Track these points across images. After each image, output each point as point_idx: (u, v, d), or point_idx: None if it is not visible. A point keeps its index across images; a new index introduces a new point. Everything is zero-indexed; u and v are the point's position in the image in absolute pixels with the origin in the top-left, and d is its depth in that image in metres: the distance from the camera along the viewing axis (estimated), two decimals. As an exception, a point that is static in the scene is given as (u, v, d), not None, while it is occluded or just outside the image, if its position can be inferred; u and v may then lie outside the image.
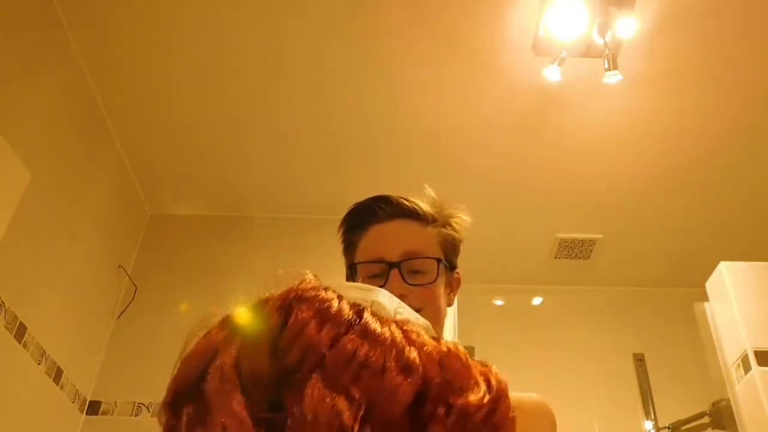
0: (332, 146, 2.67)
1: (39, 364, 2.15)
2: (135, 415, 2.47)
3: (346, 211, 1.11)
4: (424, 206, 1.07)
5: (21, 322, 2.04)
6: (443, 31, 2.24)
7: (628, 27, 2.12)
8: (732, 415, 2.16)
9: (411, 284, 0.98)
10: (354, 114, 2.53)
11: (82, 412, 2.45)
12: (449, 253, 1.07)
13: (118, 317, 2.68)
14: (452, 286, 1.06)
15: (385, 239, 1.03)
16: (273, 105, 2.51)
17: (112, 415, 2.48)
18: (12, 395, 2.03)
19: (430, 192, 1.10)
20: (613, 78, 2.15)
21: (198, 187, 2.90)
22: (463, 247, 1.12)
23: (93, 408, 2.48)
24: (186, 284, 2.79)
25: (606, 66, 2.14)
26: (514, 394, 0.86)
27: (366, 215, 1.07)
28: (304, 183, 2.85)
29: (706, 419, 2.42)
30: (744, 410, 2.10)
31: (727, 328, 2.22)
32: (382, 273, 0.99)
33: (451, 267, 1.06)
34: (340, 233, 1.11)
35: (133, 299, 2.71)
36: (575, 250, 3.10)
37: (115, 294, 2.70)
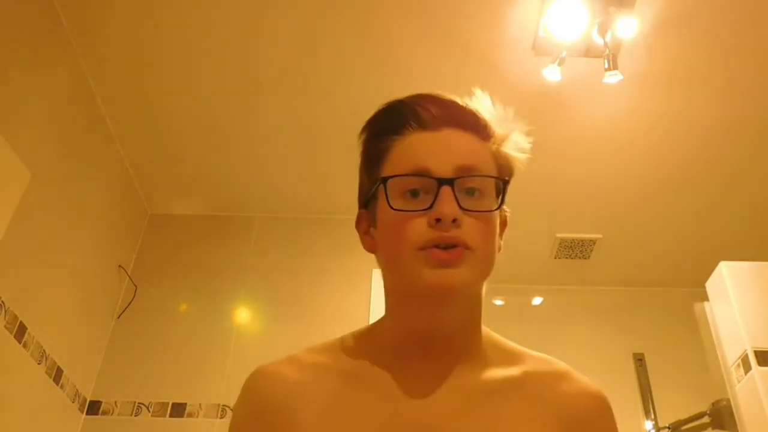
0: (332, 146, 2.66)
1: (39, 364, 2.15)
2: (135, 415, 2.47)
3: (371, 115, 0.85)
4: (485, 113, 0.81)
5: (21, 322, 2.04)
6: (442, 31, 2.24)
7: (628, 27, 2.11)
8: (732, 415, 2.16)
9: (467, 209, 0.74)
10: (353, 115, 2.52)
11: (82, 412, 2.45)
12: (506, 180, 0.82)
13: (118, 317, 2.68)
14: (501, 228, 0.82)
15: (433, 148, 0.77)
16: (273, 105, 2.51)
17: (112, 415, 2.48)
18: (12, 395, 2.03)
19: (485, 96, 0.83)
20: (613, 78, 2.15)
21: (198, 187, 2.90)
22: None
23: (93, 408, 2.48)
24: (186, 284, 2.79)
25: (606, 66, 2.14)
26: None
27: (404, 117, 0.80)
28: (304, 183, 2.85)
29: (706, 419, 2.42)
30: (744, 410, 2.10)
31: (727, 328, 2.22)
32: (426, 190, 0.75)
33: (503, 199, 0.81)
34: (362, 140, 0.84)
35: (133, 299, 2.71)
36: (575, 250, 3.10)
37: (115, 294, 2.70)
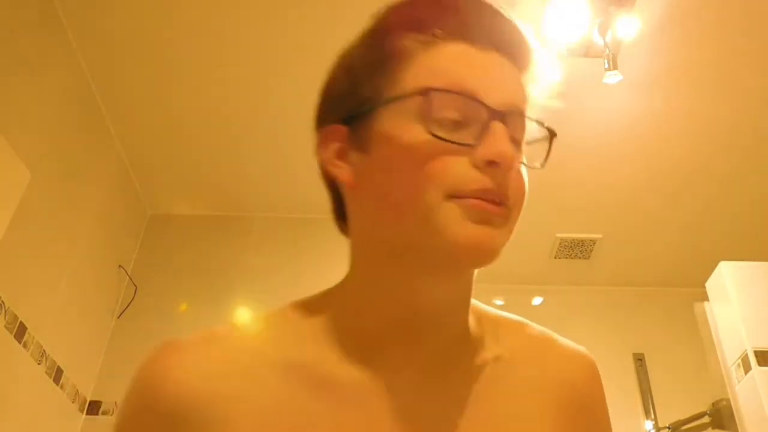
0: (332, 146, 2.66)
1: (39, 364, 2.15)
2: (135, 415, 2.47)
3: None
4: (531, 36, 0.64)
5: (21, 322, 2.04)
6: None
7: (628, 27, 2.11)
8: (732, 415, 2.16)
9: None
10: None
11: (82, 412, 2.45)
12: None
13: (118, 317, 2.68)
14: None
15: (483, 70, 0.58)
16: (273, 104, 2.51)
17: (112, 415, 2.48)
18: (12, 395, 2.03)
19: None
20: (613, 78, 2.15)
21: (198, 187, 2.90)
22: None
23: (93, 408, 2.48)
24: (186, 284, 2.79)
25: (606, 66, 2.14)
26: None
27: (448, 17, 0.59)
28: (304, 183, 2.84)
29: (706, 419, 2.42)
30: (744, 410, 2.10)
31: (727, 328, 2.22)
32: (468, 123, 0.56)
33: None
34: (372, 29, 0.67)
35: (133, 299, 2.71)
36: (575, 250, 3.10)
37: (115, 294, 2.70)
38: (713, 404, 2.34)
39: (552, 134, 0.63)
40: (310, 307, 0.63)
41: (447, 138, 0.55)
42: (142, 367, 0.58)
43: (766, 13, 2.15)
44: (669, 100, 2.43)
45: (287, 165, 2.76)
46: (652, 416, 2.81)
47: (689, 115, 2.49)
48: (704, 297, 2.35)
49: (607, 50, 2.14)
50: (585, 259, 3.15)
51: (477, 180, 0.55)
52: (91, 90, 2.42)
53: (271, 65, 2.36)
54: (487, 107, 0.56)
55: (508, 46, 0.61)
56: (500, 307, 0.73)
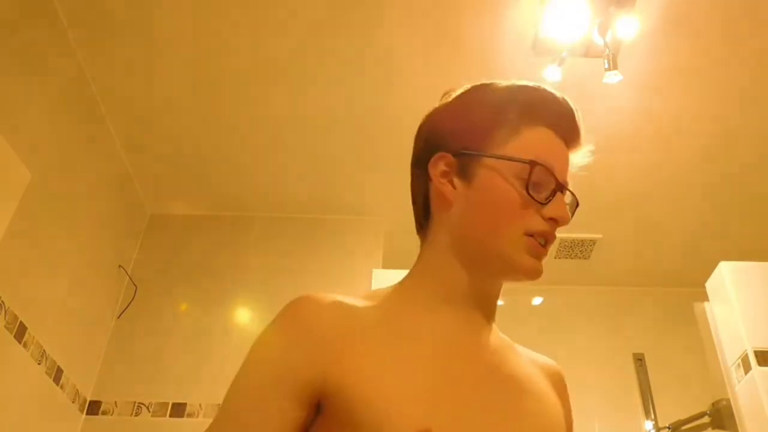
0: (332, 146, 2.67)
1: (39, 364, 2.15)
2: (135, 415, 2.48)
3: (518, 84, 0.89)
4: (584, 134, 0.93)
5: (21, 322, 2.04)
6: (443, 31, 2.24)
7: (628, 27, 2.11)
8: (732, 415, 2.16)
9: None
10: (353, 114, 2.53)
11: (82, 412, 2.45)
12: None
13: (118, 317, 2.68)
14: None
15: (559, 153, 0.87)
16: (273, 105, 2.51)
17: (112, 415, 2.48)
18: (12, 395, 2.03)
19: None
20: (613, 78, 2.15)
21: (198, 187, 2.90)
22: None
23: (93, 408, 2.48)
24: (186, 284, 2.79)
25: (606, 66, 2.14)
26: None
27: (551, 112, 0.87)
28: (304, 183, 2.85)
29: (706, 419, 2.42)
30: (744, 410, 2.09)
31: (727, 328, 2.22)
32: (544, 187, 0.83)
33: None
34: (497, 99, 0.87)
35: (133, 299, 2.71)
36: (575, 250, 3.10)
37: (115, 294, 2.70)
38: (713, 404, 2.34)
39: (577, 203, 0.88)
40: (397, 284, 0.87)
41: (535, 198, 0.81)
42: (292, 303, 0.79)
43: (766, 13, 2.15)
44: (669, 100, 2.44)
45: (287, 165, 2.77)
46: (652, 416, 2.81)
47: (689, 115, 2.49)
48: (704, 297, 2.35)
49: (607, 50, 2.14)
50: (585, 259, 3.15)
51: (543, 225, 0.82)
52: (91, 89, 2.42)
53: (271, 66, 2.36)
54: (557, 181, 0.83)
55: (571, 140, 0.89)
56: (500, 307, 0.87)
